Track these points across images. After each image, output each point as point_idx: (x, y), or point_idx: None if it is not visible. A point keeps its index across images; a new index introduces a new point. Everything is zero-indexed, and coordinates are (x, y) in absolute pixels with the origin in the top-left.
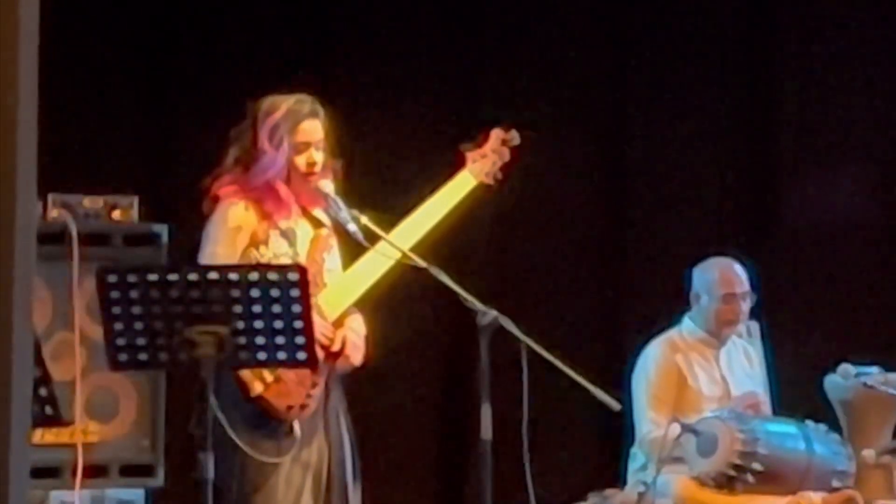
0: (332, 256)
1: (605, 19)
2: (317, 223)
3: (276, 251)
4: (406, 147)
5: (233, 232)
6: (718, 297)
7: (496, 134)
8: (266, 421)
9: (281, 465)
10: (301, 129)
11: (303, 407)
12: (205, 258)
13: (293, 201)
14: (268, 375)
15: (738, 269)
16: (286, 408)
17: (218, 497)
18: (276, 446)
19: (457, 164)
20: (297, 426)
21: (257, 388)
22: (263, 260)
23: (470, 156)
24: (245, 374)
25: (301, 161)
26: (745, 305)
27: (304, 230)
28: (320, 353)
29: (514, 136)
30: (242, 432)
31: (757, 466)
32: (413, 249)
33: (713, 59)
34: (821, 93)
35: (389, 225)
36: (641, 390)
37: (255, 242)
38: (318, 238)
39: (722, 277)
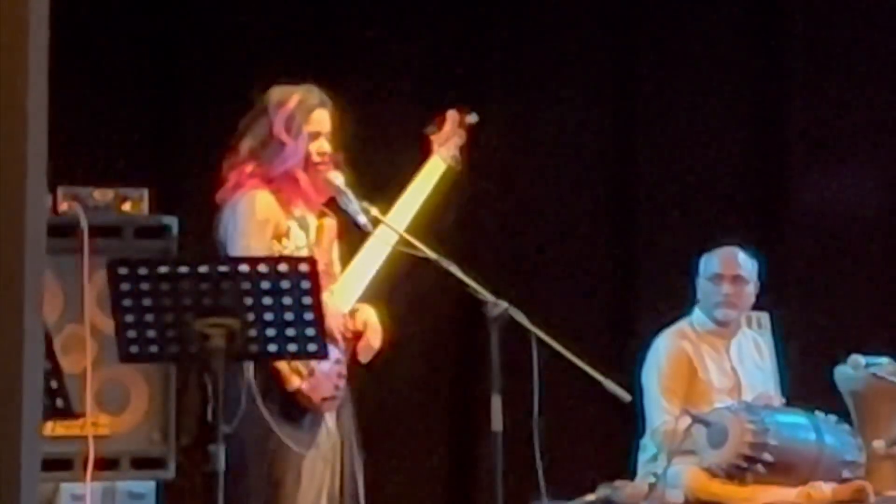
0: (336, 247)
1: (615, 9)
2: (321, 213)
3: (298, 244)
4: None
5: (262, 224)
6: (708, 277)
7: (451, 115)
8: (296, 415)
9: (305, 458)
10: (313, 119)
11: (333, 399)
12: (238, 252)
13: (312, 191)
14: (303, 368)
15: (739, 255)
16: (321, 400)
17: (229, 490)
18: (307, 438)
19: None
20: (329, 418)
21: (295, 382)
22: (286, 252)
23: (435, 139)
24: (283, 368)
25: (312, 150)
26: (739, 289)
27: (312, 221)
28: (341, 341)
29: (472, 117)
30: (273, 425)
31: (767, 457)
32: (422, 241)
33: (723, 49)
34: (831, 84)
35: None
36: (653, 381)
37: (277, 235)
38: (326, 228)
39: (717, 260)
